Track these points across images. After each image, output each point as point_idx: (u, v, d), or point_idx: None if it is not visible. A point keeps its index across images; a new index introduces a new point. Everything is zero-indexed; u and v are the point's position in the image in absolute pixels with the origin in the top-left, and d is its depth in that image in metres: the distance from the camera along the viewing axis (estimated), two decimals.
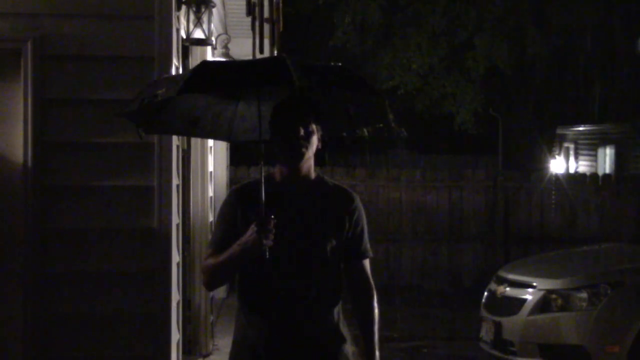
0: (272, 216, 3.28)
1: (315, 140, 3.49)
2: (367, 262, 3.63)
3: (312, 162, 3.54)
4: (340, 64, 3.43)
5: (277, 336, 3.45)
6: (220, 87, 3.53)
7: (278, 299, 3.44)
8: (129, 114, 3.58)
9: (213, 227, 3.68)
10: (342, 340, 3.56)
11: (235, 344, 3.58)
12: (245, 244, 3.33)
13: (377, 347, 3.56)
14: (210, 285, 3.70)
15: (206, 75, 3.36)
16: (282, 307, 3.44)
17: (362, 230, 3.60)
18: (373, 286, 3.62)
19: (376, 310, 3.59)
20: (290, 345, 3.45)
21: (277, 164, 3.55)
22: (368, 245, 3.63)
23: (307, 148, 3.46)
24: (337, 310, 3.55)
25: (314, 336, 3.48)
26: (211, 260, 3.48)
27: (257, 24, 7.73)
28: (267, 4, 8.03)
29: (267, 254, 3.28)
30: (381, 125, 3.63)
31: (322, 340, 3.50)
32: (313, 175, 3.56)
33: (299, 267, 3.45)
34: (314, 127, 3.47)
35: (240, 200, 3.53)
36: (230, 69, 3.57)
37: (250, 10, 7.32)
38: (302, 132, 3.43)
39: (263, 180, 3.39)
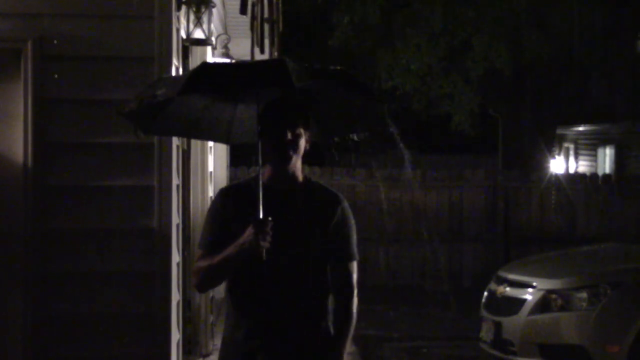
0: (270, 218, 3.28)
1: (303, 143, 3.49)
2: (352, 265, 3.56)
3: (299, 163, 3.54)
4: (339, 67, 3.43)
5: (267, 336, 3.45)
6: (219, 88, 3.53)
7: (268, 300, 3.44)
8: (128, 114, 3.58)
9: (202, 228, 3.65)
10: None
11: (225, 343, 3.59)
12: (242, 245, 3.32)
13: (345, 350, 3.50)
14: (203, 287, 3.71)
15: (206, 76, 3.37)
16: (272, 308, 3.44)
17: (348, 233, 3.55)
18: (354, 289, 3.55)
19: (353, 314, 3.53)
20: (280, 346, 3.45)
21: (266, 164, 3.55)
22: (354, 249, 3.57)
23: (294, 151, 3.47)
24: (328, 311, 3.55)
25: (304, 336, 3.48)
26: (205, 262, 3.46)
27: (256, 24, 7.72)
28: (267, 4, 8.02)
29: (265, 255, 3.29)
30: (377, 130, 3.61)
31: (312, 341, 3.49)
32: (300, 176, 3.56)
33: (288, 269, 3.44)
34: (301, 130, 3.47)
35: (229, 201, 3.53)
36: (230, 70, 3.58)
37: (244, 9, 7.29)
38: (289, 135, 3.44)
39: (260, 181, 3.39)
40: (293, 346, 3.46)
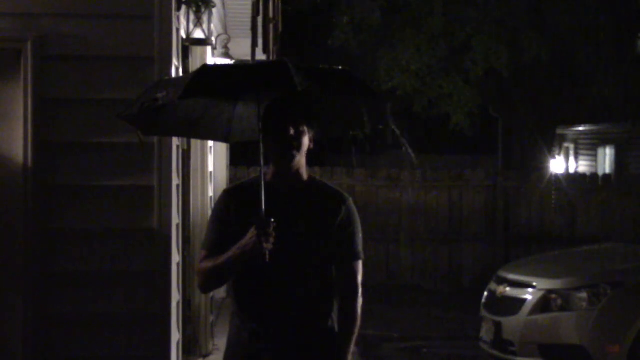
0: (272, 219, 3.27)
1: (306, 141, 3.48)
2: (358, 265, 3.57)
3: (303, 162, 3.53)
4: (340, 67, 3.43)
5: (272, 337, 3.45)
6: (221, 91, 3.53)
7: (273, 301, 3.44)
8: (129, 117, 3.58)
9: (206, 228, 3.65)
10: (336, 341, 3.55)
11: (230, 345, 3.58)
12: (245, 247, 3.31)
13: (349, 350, 3.51)
14: (207, 288, 3.71)
15: (207, 80, 3.36)
16: (277, 309, 3.44)
17: (353, 232, 3.55)
18: (359, 289, 3.56)
19: (358, 314, 3.54)
20: (285, 347, 3.45)
21: (269, 163, 3.54)
22: (359, 248, 3.57)
23: (297, 149, 3.45)
24: (333, 311, 3.55)
25: (309, 337, 3.48)
26: (208, 263, 3.46)
27: (259, 24, 7.73)
28: (265, 4, 8.03)
29: (267, 257, 3.28)
30: (381, 127, 3.60)
31: (316, 342, 3.49)
32: (305, 175, 3.54)
33: (293, 269, 3.44)
34: (305, 127, 3.46)
35: (233, 201, 3.52)
36: (231, 72, 3.57)
37: (258, 9, 7.31)
38: (292, 133, 3.42)
39: (263, 182, 3.38)
40: (298, 347, 3.45)
